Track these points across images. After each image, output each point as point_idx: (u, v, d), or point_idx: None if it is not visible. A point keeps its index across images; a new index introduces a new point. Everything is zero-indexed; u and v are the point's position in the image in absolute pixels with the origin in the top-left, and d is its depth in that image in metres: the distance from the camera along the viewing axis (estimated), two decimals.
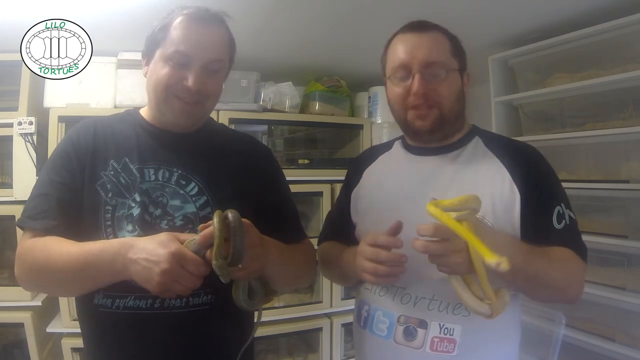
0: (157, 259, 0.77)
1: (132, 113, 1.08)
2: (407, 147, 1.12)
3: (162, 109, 0.98)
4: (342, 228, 1.16)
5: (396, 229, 0.89)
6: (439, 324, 0.93)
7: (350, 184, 1.18)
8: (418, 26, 1.03)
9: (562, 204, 0.96)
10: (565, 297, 0.96)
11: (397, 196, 1.04)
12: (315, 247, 1.20)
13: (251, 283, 0.92)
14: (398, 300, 0.98)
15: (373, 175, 1.14)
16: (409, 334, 0.95)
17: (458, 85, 1.02)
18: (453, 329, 0.92)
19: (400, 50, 1.01)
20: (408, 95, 0.99)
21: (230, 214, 0.81)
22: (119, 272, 0.83)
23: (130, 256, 0.80)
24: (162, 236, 0.81)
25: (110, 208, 0.94)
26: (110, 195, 0.94)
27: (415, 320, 0.95)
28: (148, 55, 1.00)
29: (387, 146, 1.18)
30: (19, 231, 0.95)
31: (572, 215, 0.96)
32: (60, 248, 0.87)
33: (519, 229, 0.94)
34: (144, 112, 1.06)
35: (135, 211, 0.94)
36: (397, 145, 1.16)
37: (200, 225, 0.83)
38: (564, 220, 0.94)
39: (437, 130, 1.01)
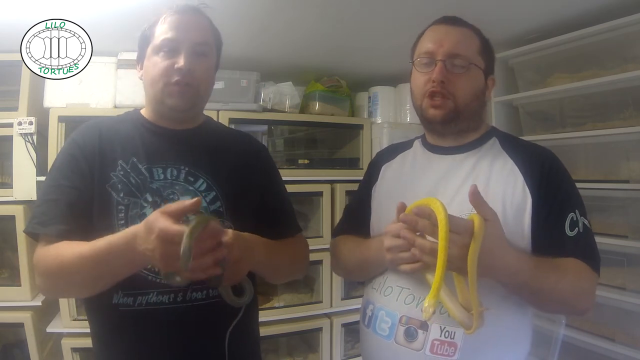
0: (151, 246, 0.77)
1: (133, 114, 1.10)
2: (427, 146, 1.13)
3: (160, 98, 1.01)
4: (361, 223, 1.16)
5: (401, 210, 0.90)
6: (440, 327, 0.92)
7: (370, 180, 1.20)
8: (451, 19, 1.05)
9: (576, 211, 0.94)
10: (573, 310, 0.97)
11: (411, 193, 1.03)
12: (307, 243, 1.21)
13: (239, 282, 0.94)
14: (402, 300, 0.98)
15: (391, 172, 1.16)
16: (410, 335, 0.95)
17: (479, 83, 1.03)
18: (454, 333, 0.91)
19: (428, 39, 1.04)
20: (428, 82, 1.01)
21: (190, 227, 0.76)
22: (140, 265, 0.87)
23: (139, 249, 0.80)
24: (150, 218, 0.79)
25: (123, 207, 0.95)
26: (122, 195, 0.96)
27: (416, 322, 0.95)
28: (141, 56, 1.05)
29: (407, 145, 1.20)
30: (19, 233, 0.95)
31: (586, 223, 0.95)
32: (72, 250, 0.87)
33: (529, 234, 0.93)
34: (144, 112, 1.09)
35: (148, 211, 0.95)
36: (417, 144, 1.17)
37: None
38: (577, 228, 0.93)
39: (449, 121, 1.02)
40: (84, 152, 0.98)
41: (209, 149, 1.06)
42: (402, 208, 0.90)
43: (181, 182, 1.00)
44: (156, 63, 0.99)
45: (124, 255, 0.83)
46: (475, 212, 0.82)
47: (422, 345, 0.93)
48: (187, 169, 1.01)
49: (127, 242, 0.82)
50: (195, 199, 0.80)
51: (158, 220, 0.77)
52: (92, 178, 0.97)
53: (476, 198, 0.81)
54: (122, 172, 0.98)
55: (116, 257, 0.84)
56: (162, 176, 0.99)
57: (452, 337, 0.91)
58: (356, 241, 1.13)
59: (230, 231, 0.86)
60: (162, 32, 0.99)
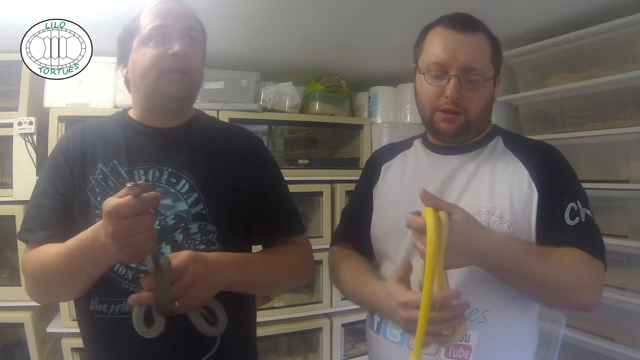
0: (104, 230, 0.73)
1: (121, 114, 1.08)
2: (428, 146, 1.10)
3: (154, 89, 0.95)
4: (361, 227, 1.12)
5: (406, 271, 0.89)
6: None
7: (370, 180, 1.15)
8: (463, 24, 0.97)
9: (577, 201, 0.92)
10: (574, 303, 0.88)
11: (416, 194, 0.98)
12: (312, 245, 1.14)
13: (209, 308, 0.87)
14: None
15: (393, 172, 1.13)
16: None
17: (490, 93, 1.01)
18: (469, 336, 0.90)
19: (440, 47, 0.96)
20: (440, 96, 0.96)
21: (160, 261, 0.78)
22: (106, 261, 0.83)
23: (102, 240, 0.75)
24: (104, 202, 0.74)
25: (99, 212, 0.91)
26: (99, 199, 0.93)
27: None
28: (124, 53, 1.01)
29: (406, 144, 1.16)
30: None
31: (589, 213, 0.92)
32: (51, 250, 0.87)
33: (535, 228, 0.92)
34: (132, 113, 1.06)
35: None
36: (417, 144, 1.13)
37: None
38: (578, 217, 0.90)
39: (460, 134, 1.00)
40: (67, 157, 0.97)
41: (196, 147, 1.01)
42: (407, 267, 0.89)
43: (163, 184, 0.95)
44: (146, 53, 0.94)
45: (92, 249, 0.80)
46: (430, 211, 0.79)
47: (436, 350, 0.91)
48: (170, 169, 0.97)
49: (94, 234, 0.78)
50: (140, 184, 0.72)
51: (108, 200, 0.72)
52: (74, 183, 0.96)
53: (430, 198, 0.80)
54: (101, 176, 0.96)
55: (85, 253, 0.81)
56: (143, 178, 0.95)
57: (467, 340, 0.90)
58: (358, 268, 1.07)
59: (185, 253, 0.81)
60: (149, 21, 0.95)
